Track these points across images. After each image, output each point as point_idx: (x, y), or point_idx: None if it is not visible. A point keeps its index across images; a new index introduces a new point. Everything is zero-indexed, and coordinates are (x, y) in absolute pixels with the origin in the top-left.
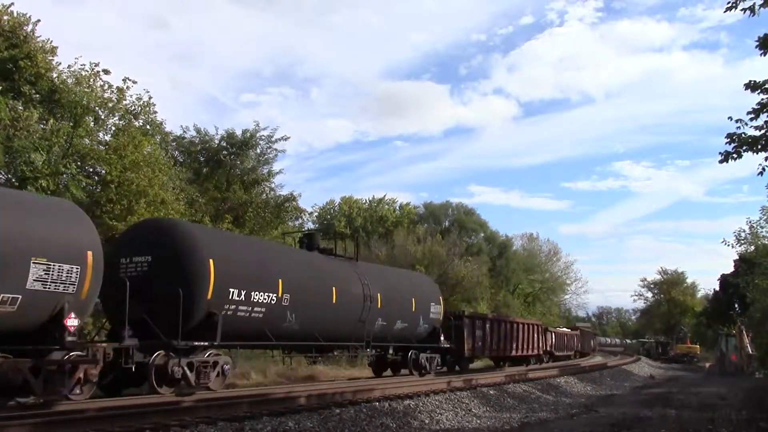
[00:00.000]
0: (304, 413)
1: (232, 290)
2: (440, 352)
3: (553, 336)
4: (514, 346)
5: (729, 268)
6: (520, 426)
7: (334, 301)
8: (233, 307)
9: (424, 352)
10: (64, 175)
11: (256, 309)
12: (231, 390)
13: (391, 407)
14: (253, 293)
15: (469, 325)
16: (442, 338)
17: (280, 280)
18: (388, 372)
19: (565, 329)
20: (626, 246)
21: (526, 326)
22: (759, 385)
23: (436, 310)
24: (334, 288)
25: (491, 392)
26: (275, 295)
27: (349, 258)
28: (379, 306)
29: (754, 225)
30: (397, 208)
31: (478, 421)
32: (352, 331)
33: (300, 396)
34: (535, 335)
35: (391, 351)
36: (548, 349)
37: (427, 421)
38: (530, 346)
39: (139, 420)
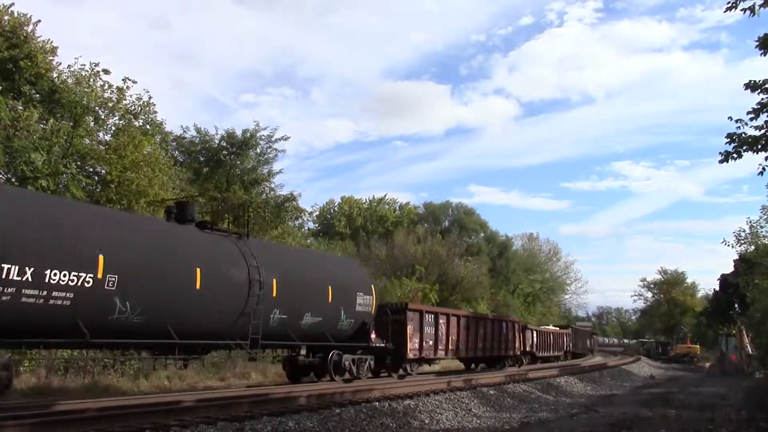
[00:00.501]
0: (304, 413)
1: (7, 267)
2: (374, 352)
3: (534, 335)
4: (481, 345)
5: (729, 268)
6: (520, 426)
7: (197, 287)
8: (11, 290)
9: (352, 353)
10: (64, 175)
11: (55, 294)
12: (231, 390)
13: (391, 407)
14: (48, 272)
15: (414, 320)
16: (373, 336)
17: (100, 256)
18: (313, 377)
19: (551, 327)
20: (626, 246)
21: (497, 323)
22: (759, 385)
23: (366, 302)
24: (198, 270)
25: (491, 392)
26: (92, 275)
27: (235, 234)
28: (274, 295)
29: (754, 225)
30: (397, 208)
31: (478, 421)
32: (232, 326)
33: (300, 396)
34: (510, 334)
35: (303, 351)
36: (528, 349)
37: (427, 421)
38: (503, 346)
39: (139, 420)
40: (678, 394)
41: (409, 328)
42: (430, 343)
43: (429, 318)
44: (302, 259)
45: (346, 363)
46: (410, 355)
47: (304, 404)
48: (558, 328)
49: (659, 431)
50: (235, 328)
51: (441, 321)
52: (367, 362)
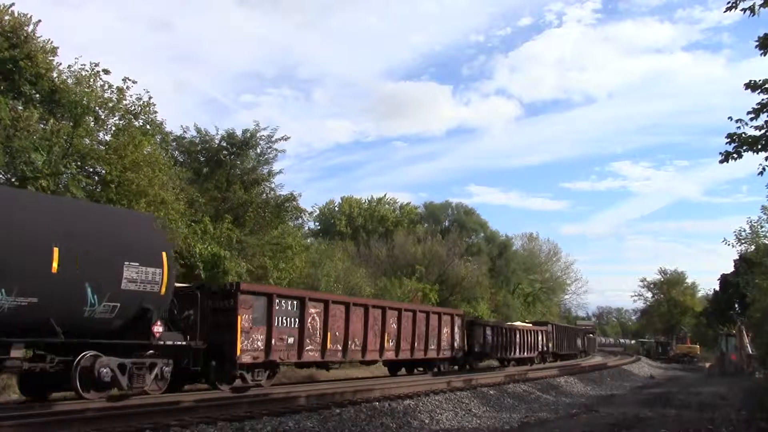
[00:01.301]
0: (304, 413)
1: None
2: (173, 354)
3: (487, 331)
4: (394, 345)
5: (729, 268)
6: (520, 426)
7: None
8: None
9: (125, 355)
10: (64, 175)
11: None
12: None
13: (391, 407)
14: None
15: (255, 308)
16: (159, 329)
17: None
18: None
19: (518, 323)
20: (626, 246)
21: (421, 316)
22: (759, 385)
23: (146, 277)
24: None
25: (491, 392)
26: None
27: None
28: None
29: (755, 224)
30: (397, 208)
31: (478, 421)
32: None
33: (300, 396)
34: (446, 329)
35: (17, 353)
36: (478, 350)
37: (427, 421)
38: (434, 346)
39: (139, 420)
40: (678, 394)
41: (243, 319)
42: (290, 341)
43: (286, 305)
44: None
45: (104, 371)
46: (244, 359)
47: (304, 404)
48: (530, 324)
49: (659, 431)
50: None
51: (312, 311)
52: (157, 369)
